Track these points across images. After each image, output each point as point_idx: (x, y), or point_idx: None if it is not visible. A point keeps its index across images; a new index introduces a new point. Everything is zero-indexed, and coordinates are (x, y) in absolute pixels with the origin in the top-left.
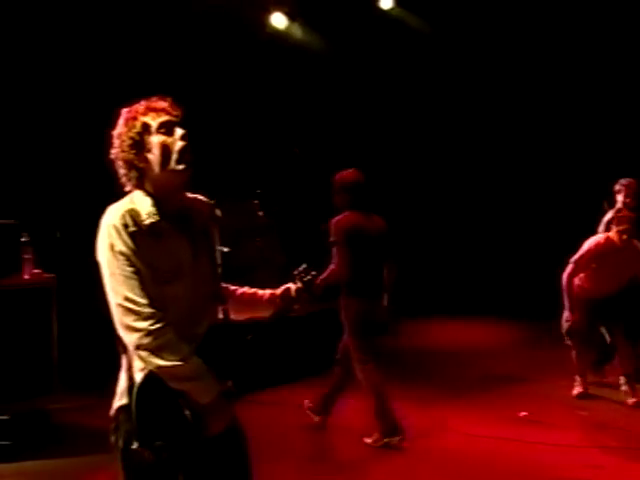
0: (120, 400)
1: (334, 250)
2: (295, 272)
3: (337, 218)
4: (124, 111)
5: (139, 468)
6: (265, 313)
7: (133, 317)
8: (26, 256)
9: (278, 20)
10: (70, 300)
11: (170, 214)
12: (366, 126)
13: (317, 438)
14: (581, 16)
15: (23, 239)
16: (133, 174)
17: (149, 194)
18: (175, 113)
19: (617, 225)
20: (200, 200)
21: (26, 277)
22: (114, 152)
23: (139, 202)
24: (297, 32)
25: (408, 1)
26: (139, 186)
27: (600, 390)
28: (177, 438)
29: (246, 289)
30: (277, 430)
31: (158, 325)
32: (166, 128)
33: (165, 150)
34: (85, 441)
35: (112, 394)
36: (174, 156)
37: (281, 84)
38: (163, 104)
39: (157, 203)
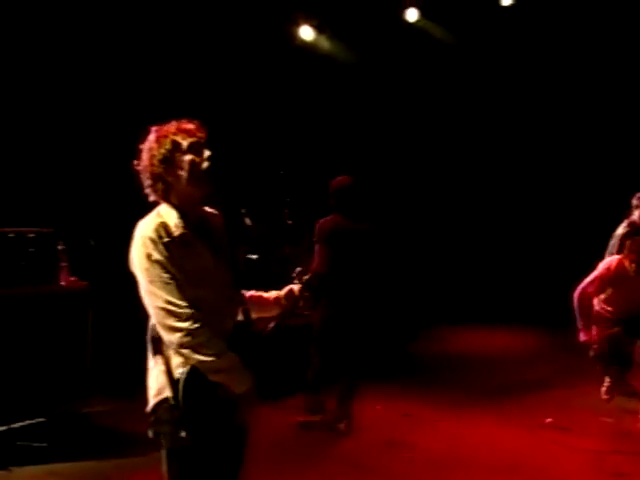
0: (159, 395)
1: (315, 249)
2: (294, 274)
3: (322, 220)
4: (155, 129)
5: (186, 456)
6: (272, 313)
7: (174, 319)
8: (62, 264)
9: (306, 33)
10: (104, 306)
11: (192, 225)
12: (396, 135)
13: (338, 442)
14: (605, 33)
15: (59, 247)
16: (160, 186)
17: (174, 206)
18: (202, 135)
19: (628, 252)
20: (213, 213)
21: (62, 284)
22: (142, 164)
23: (166, 215)
24: (324, 44)
25: (434, 13)
26: (164, 198)
27: (625, 398)
28: (217, 425)
29: (253, 292)
30: (300, 433)
31: (197, 325)
32: (195, 148)
33: (194, 168)
34: (118, 443)
35: (144, 397)
36: (201, 174)
37: (310, 94)
38: (192, 126)
39: (182, 215)
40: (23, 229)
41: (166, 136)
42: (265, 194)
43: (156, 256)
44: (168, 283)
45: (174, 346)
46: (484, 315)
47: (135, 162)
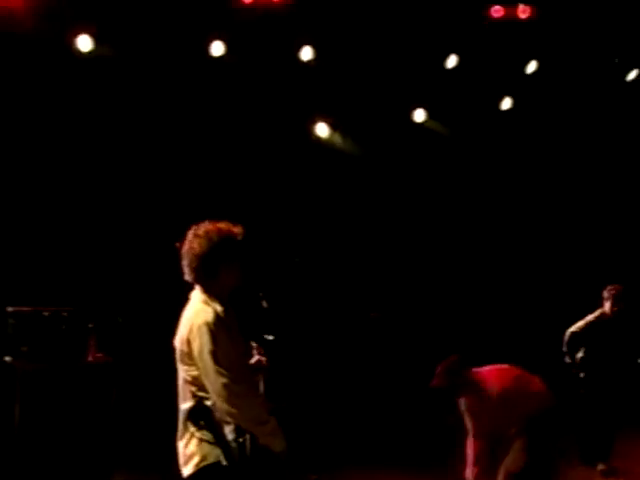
0: (205, 461)
1: None
2: (252, 348)
3: None
4: (208, 223)
5: None
6: None
7: (237, 395)
8: (91, 341)
9: (322, 130)
10: (130, 380)
11: (226, 309)
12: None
13: None
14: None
15: (89, 325)
16: (206, 271)
17: (213, 293)
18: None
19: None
20: None
21: (90, 359)
22: (195, 248)
23: (213, 304)
24: (338, 140)
25: (440, 114)
26: (205, 281)
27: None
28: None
29: None
30: None
31: (254, 398)
32: (244, 249)
33: (243, 264)
34: None
35: (167, 471)
36: (243, 270)
37: (323, 186)
38: (241, 230)
39: (221, 303)
40: (58, 308)
41: (227, 231)
42: (281, 279)
43: (221, 340)
44: (232, 362)
45: (238, 418)
46: None
47: (179, 244)
